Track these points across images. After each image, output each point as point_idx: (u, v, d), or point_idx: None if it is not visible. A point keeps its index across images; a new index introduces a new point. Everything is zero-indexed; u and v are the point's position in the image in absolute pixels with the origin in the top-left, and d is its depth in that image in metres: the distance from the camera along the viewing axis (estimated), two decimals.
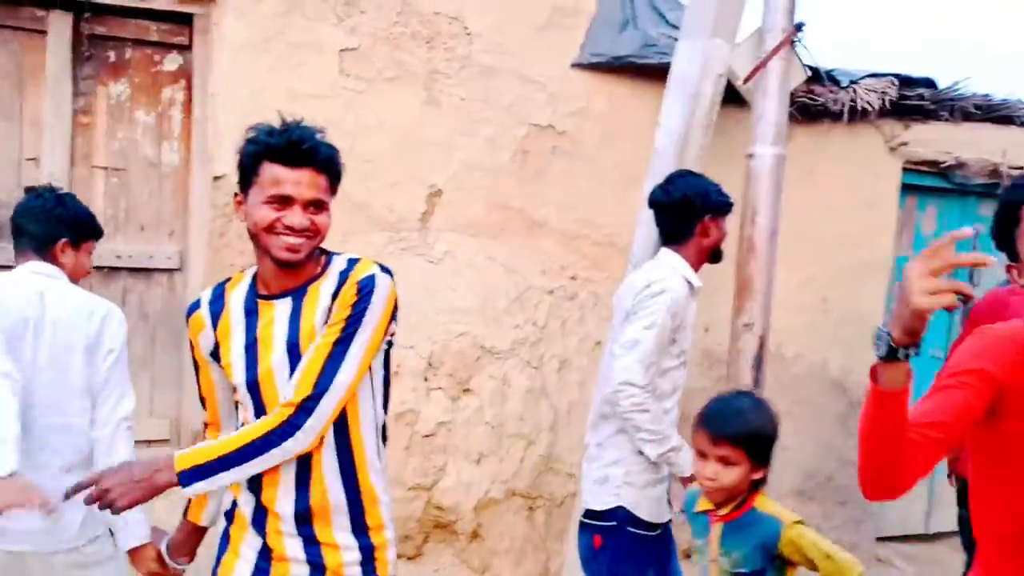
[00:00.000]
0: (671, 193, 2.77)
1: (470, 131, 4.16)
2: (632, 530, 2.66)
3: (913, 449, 1.45)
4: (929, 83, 4.89)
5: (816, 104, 4.49)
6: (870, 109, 4.60)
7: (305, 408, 1.71)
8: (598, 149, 4.33)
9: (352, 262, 1.83)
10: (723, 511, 2.12)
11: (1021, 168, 4.92)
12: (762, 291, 3.81)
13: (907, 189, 4.95)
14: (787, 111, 4.00)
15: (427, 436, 3.72)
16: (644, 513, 2.66)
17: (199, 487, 1.73)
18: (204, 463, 1.71)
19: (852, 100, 4.54)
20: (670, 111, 3.43)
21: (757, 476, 2.08)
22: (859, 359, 4.71)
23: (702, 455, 2.09)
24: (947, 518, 5.14)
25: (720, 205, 2.80)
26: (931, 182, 4.98)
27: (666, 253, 2.79)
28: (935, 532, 5.28)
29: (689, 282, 2.74)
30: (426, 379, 3.75)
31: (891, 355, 1.38)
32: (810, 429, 4.76)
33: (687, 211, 2.74)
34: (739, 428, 2.06)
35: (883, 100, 4.62)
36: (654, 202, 2.82)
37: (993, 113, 4.94)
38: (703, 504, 2.20)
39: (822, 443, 4.81)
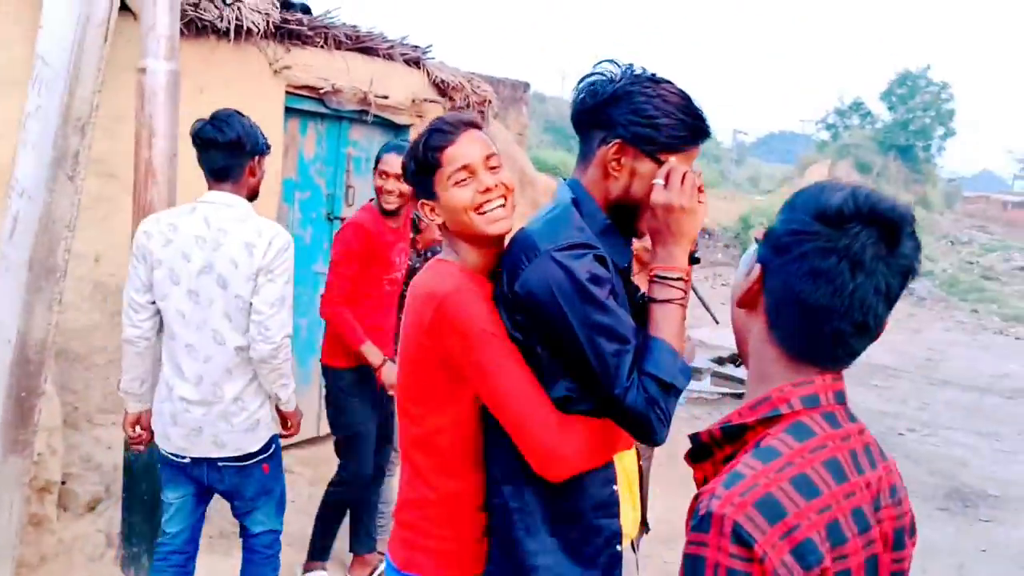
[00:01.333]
0: (226, 132, 2.82)
1: None
2: (278, 444, 3.05)
3: None
4: (306, 9, 5.07)
5: (203, 20, 4.30)
6: (255, 29, 4.59)
7: None
8: None
9: None
10: None
11: (386, 96, 5.45)
12: None
13: (290, 112, 5.10)
14: (179, 24, 3.78)
15: None
16: (278, 428, 3.07)
17: None
18: None
19: (238, 19, 4.46)
20: (54, 11, 2.93)
21: None
22: None
23: None
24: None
25: (265, 147, 2.97)
26: (311, 106, 5.21)
27: (233, 199, 2.83)
28: (324, 434, 5.74)
29: None
30: None
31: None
32: None
33: (240, 150, 2.84)
34: None
35: (267, 22, 4.64)
36: (206, 140, 2.82)
37: (361, 44, 5.35)
38: None
39: None
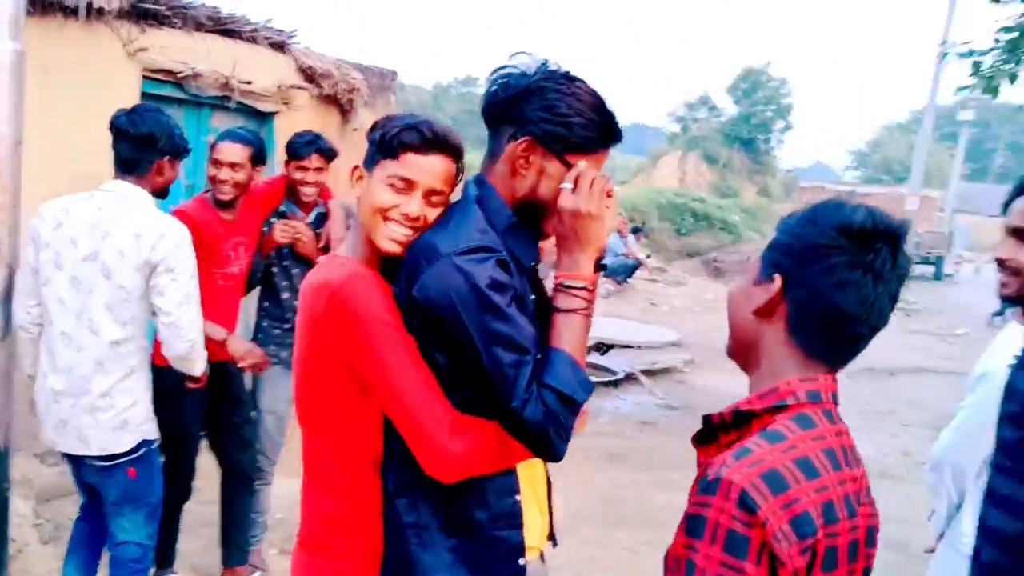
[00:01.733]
0: (138, 125, 2.81)
1: None
2: (153, 449, 2.98)
3: None
4: None
5: None
6: (107, 8, 4.27)
7: None
8: None
9: None
10: None
11: (250, 82, 5.20)
12: (9, 210, 3.25)
13: (146, 98, 4.78)
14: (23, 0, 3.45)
15: None
16: (154, 434, 2.99)
17: None
18: None
19: None
20: None
21: None
22: None
23: None
24: None
25: (180, 149, 2.94)
26: (168, 91, 4.91)
27: (133, 191, 2.81)
28: None
29: None
30: None
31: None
32: None
33: (149, 146, 2.83)
34: None
35: (120, 0, 4.32)
36: (119, 129, 2.82)
37: (222, 26, 5.08)
38: None
39: None
